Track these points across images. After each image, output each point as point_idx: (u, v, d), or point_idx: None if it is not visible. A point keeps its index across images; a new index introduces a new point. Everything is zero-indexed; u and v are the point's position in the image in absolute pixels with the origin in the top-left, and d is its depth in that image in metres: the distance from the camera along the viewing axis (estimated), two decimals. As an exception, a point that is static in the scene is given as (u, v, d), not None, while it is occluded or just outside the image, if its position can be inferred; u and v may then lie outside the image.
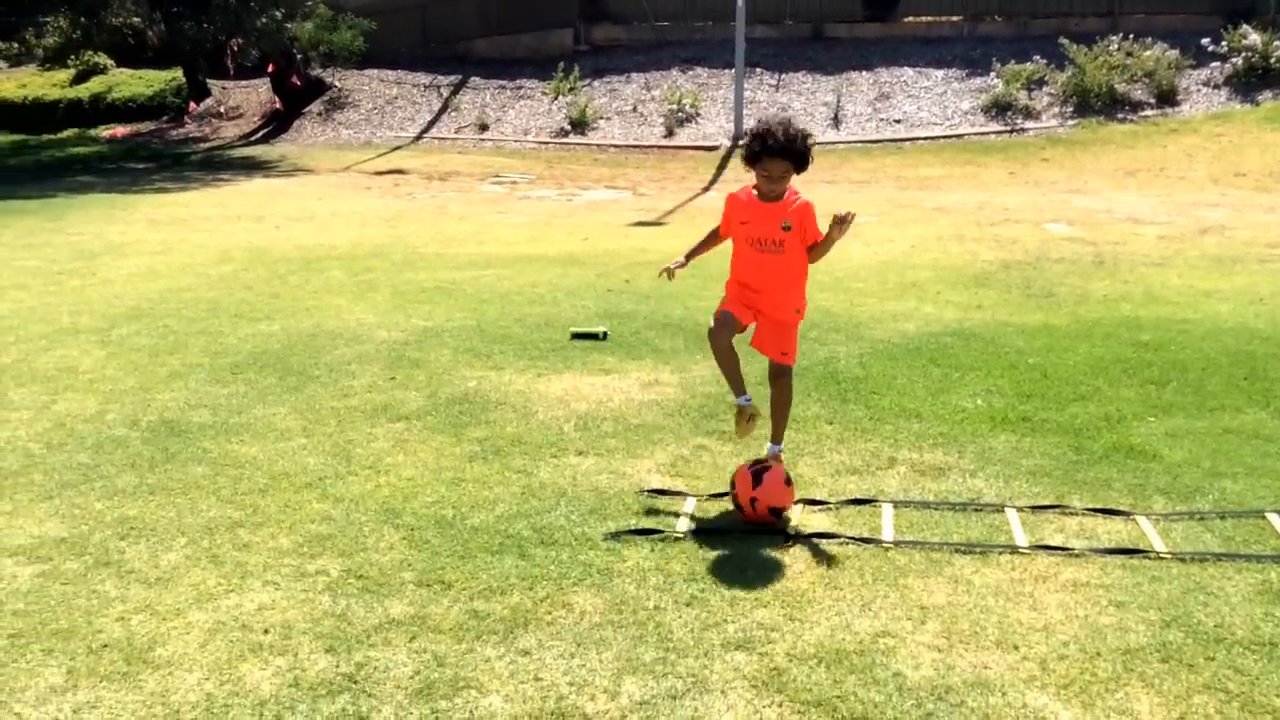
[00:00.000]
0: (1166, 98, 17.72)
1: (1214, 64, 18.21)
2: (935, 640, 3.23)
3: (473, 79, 22.55)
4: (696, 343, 6.66)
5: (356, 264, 9.53)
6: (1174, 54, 17.96)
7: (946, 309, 7.64)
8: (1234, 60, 17.87)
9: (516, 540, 3.89)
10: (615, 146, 18.49)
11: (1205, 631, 3.25)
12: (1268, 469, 4.51)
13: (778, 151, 4.09)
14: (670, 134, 18.67)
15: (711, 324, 4.28)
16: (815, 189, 15.29)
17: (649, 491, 4.34)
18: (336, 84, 23.25)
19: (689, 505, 4.19)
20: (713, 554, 3.79)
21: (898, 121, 18.19)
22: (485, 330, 6.98)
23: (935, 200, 13.74)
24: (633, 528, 3.98)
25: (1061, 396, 5.51)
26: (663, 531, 3.95)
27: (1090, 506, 4.18)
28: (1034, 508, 4.18)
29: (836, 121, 18.46)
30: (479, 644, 3.23)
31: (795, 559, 3.76)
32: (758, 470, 4.08)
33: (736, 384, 4.36)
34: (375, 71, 23.54)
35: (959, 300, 7.95)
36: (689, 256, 4.57)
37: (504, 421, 5.19)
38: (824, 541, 3.88)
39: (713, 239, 4.53)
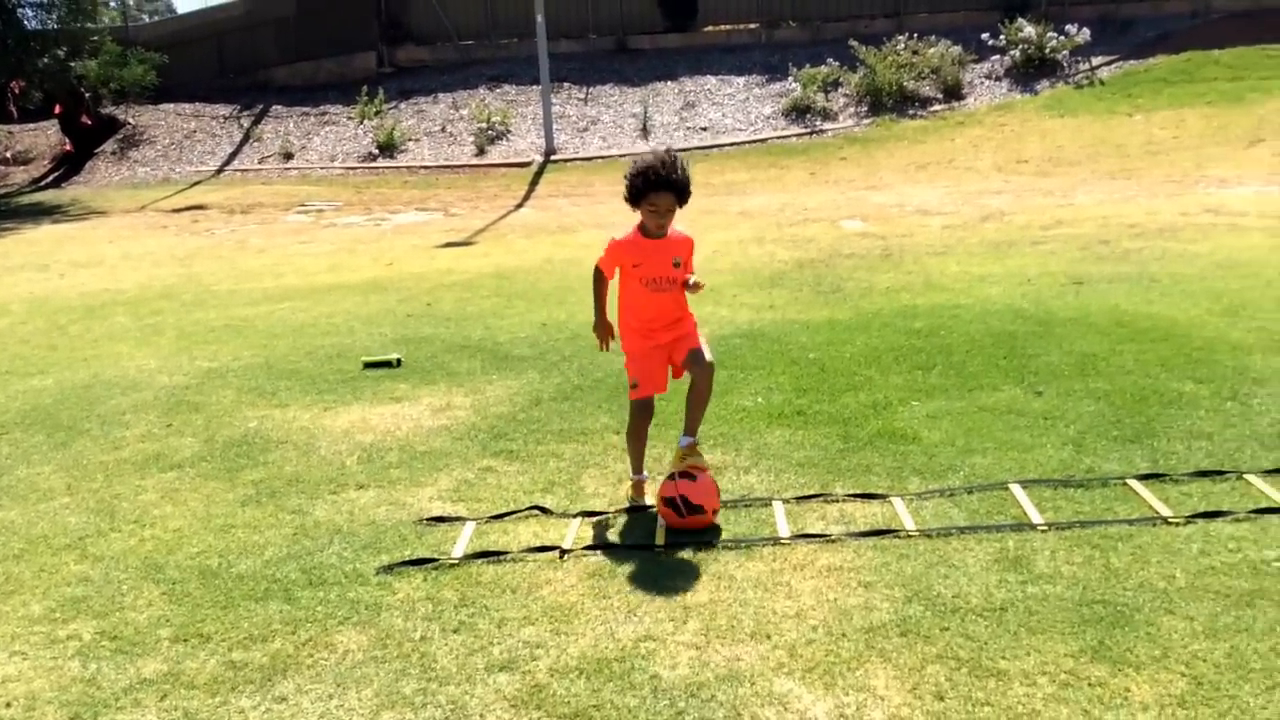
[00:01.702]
0: (953, 92, 18.66)
1: (994, 57, 19.30)
2: (694, 639, 3.32)
3: (275, 107, 22.00)
4: (494, 364, 6.68)
5: (143, 307, 9.17)
6: (957, 50, 18.95)
7: (740, 311, 7.86)
8: (1012, 53, 18.98)
9: (283, 584, 3.81)
10: (425, 168, 18.33)
11: (944, 603, 3.44)
12: (1015, 442, 4.80)
13: (663, 185, 4.08)
14: (481, 152, 18.62)
15: (631, 410, 4.37)
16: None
17: (428, 520, 4.31)
18: (130, 121, 22.33)
19: (467, 530, 4.18)
20: (485, 577, 3.80)
21: (704, 129, 18.60)
22: (273, 367, 6.82)
23: (740, 204, 14.11)
24: (405, 559, 3.96)
25: (835, 388, 5.73)
26: (436, 560, 3.93)
27: (851, 492, 4.36)
28: (799, 498, 4.34)
29: (645, 132, 18.74)
30: (234, 695, 3.15)
31: (567, 573, 3.80)
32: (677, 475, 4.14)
33: (637, 462, 4.47)
34: (171, 106, 22.73)
35: (753, 302, 8.18)
36: (603, 312, 4.42)
37: (283, 461, 5.08)
38: (598, 552, 3.94)
39: (603, 284, 4.40)
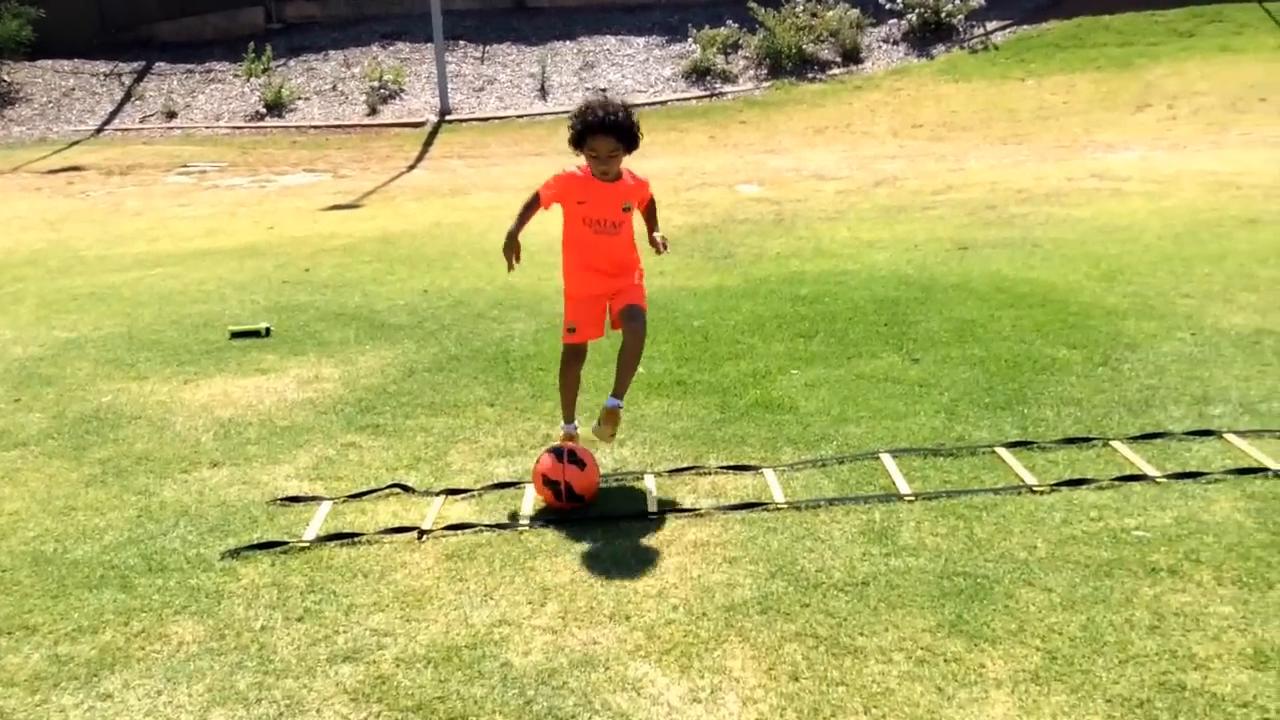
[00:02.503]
0: (851, 56, 18.68)
1: (892, 21, 19.34)
2: (551, 622, 3.21)
3: (158, 64, 21.07)
4: (368, 332, 6.45)
5: (5, 274, 8.68)
6: (855, 13, 18.93)
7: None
8: (909, 16, 19.02)
9: (120, 571, 3.59)
10: (315, 128, 17.76)
11: (807, 578, 3.38)
12: (889, 410, 4.77)
13: (600, 128, 3.95)
14: (374, 112, 18.11)
15: (563, 355, 4.29)
16: (524, 161, 15.24)
17: (281, 500, 4.12)
18: (4, 78, 21.17)
19: (322, 510, 4.00)
20: (337, 561, 3.63)
21: (603, 90, 18.33)
22: (135, 337, 6.49)
23: (639, 168, 13.87)
24: (254, 542, 3.76)
25: (717, 357, 5.65)
26: (286, 543, 3.75)
27: (724, 464, 4.28)
28: (671, 471, 4.25)
29: (544, 93, 18.42)
30: (56, 693, 2.95)
31: (424, 556, 3.65)
32: (557, 451, 4.00)
33: (568, 411, 4.34)
34: (49, 62, 21.58)
35: (643, 268, 8.03)
36: (517, 232, 4.19)
37: (134, 438, 4.81)
38: (459, 533, 3.79)
39: (532, 209, 4.21)
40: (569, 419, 4.38)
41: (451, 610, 3.29)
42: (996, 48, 18.35)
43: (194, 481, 4.34)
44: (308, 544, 3.73)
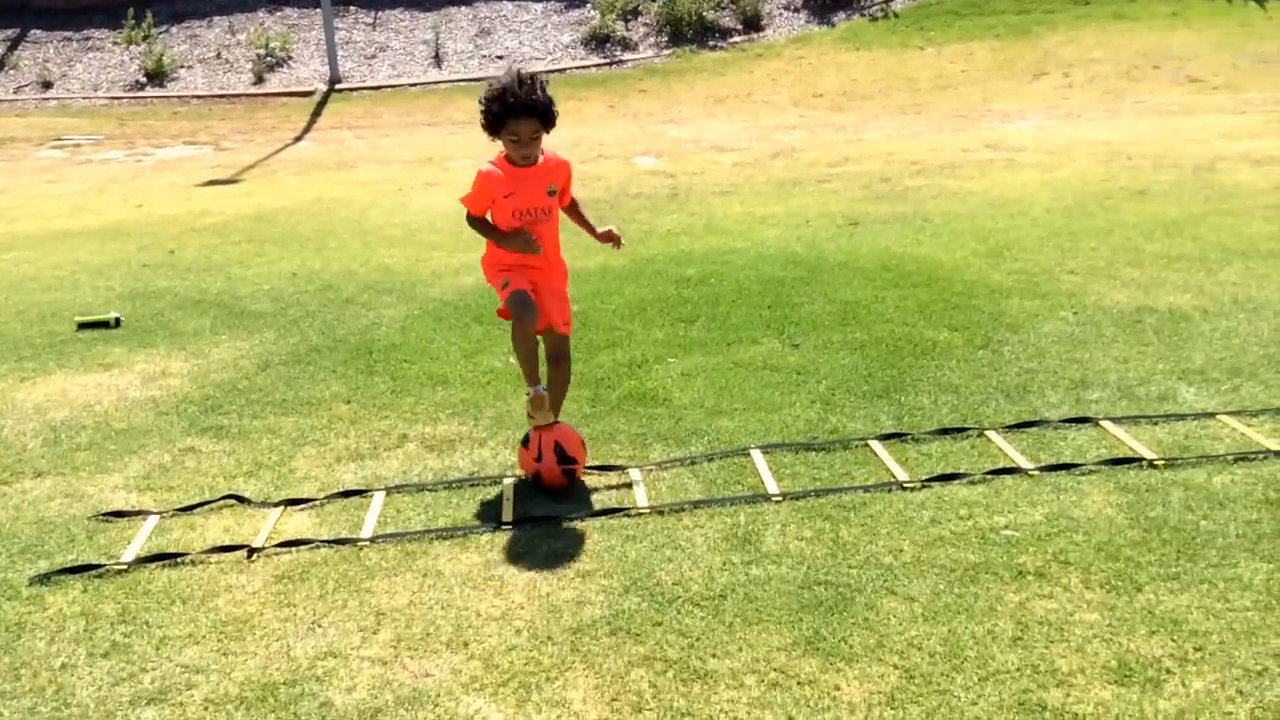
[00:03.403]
0: (752, 23, 18.47)
1: (793, -11, 19.17)
2: (382, 652, 2.95)
3: (33, 31, 19.98)
4: (226, 321, 6.08)
5: None
6: (756, -19, 18.72)
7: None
8: (810, -16, 18.87)
9: (-92, 605, 3.25)
10: (198, 98, 17.02)
11: (663, 592, 3.18)
12: (765, 401, 4.58)
13: (521, 110, 3.66)
14: (260, 80, 17.41)
15: (514, 312, 3.82)
16: (417, 132, 14.77)
17: (104, 515, 3.78)
18: None
19: (147, 527, 3.68)
20: (156, 585, 3.32)
21: (500, 58, 17.88)
22: (-28, 331, 6.04)
23: (533, 138, 13.58)
24: (66, 565, 3.44)
25: (594, 345, 5.41)
26: (103, 565, 3.43)
27: (589, 465, 4.05)
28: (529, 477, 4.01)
29: (438, 60, 17.89)
30: None
31: (253, 577, 3.36)
32: (525, 437, 3.86)
33: (532, 373, 3.90)
34: (-88, 26, 20.37)
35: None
36: (509, 235, 3.90)
37: (-50, 447, 4.42)
38: (294, 550, 3.51)
39: (482, 222, 3.91)
40: (533, 379, 3.90)
41: (274, 641, 3.02)
42: (897, 15, 18.30)
43: (13, 495, 3.98)
44: (125, 566, 3.42)
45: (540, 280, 3.96)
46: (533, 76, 3.77)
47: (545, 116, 3.75)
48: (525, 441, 3.93)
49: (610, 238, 4.14)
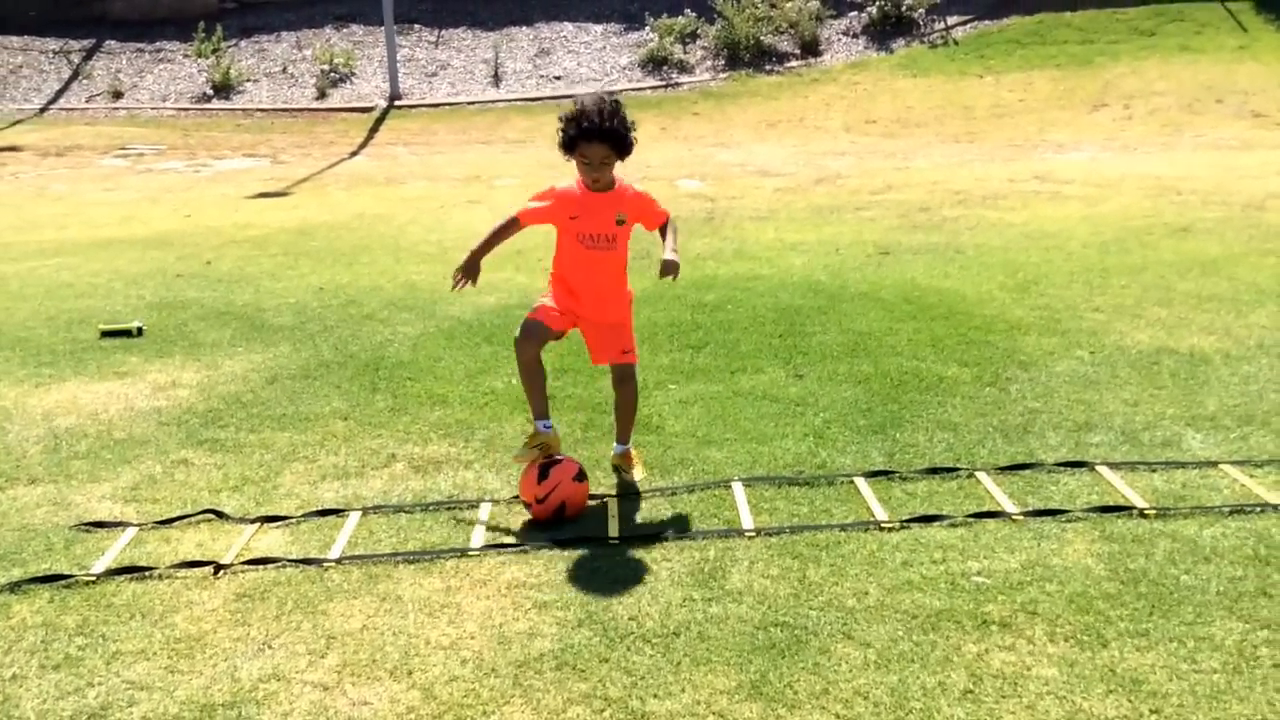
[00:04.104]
0: (810, 48, 18.42)
1: (852, 14, 19.07)
2: (326, 677, 2.94)
3: (108, 43, 20.62)
4: (246, 333, 6.17)
5: (-107, 263, 8.34)
6: (815, 4, 18.66)
7: (539, 278, 7.37)
8: (870, 9, 18.76)
9: (-120, 607, 3.32)
10: (262, 110, 17.40)
11: (617, 626, 3.13)
12: (757, 432, 4.52)
13: (595, 135, 3.69)
14: (323, 95, 17.74)
15: (518, 333, 3.87)
16: (470, 150, 14.92)
17: (84, 525, 3.84)
18: (-52, 51, 20.69)
19: (124, 538, 3.72)
20: (121, 598, 3.35)
21: (558, 78, 18.03)
22: (3, 334, 6.19)
23: (582, 158, 13.64)
24: (38, 574, 3.49)
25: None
26: (72, 576, 3.47)
27: (568, 492, 4.02)
28: (511, 499, 3.99)
29: (497, 79, 18.09)
30: None
31: (215, 594, 3.38)
32: (545, 465, 3.79)
33: (538, 404, 3.92)
34: (-3, 37, 21.12)
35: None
36: (481, 254, 3.96)
37: (-46, 451, 4.53)
38: (260, 568, 3.52)
39: (506, 230, 3.95)
40: (539, 413, 3.91)
41: (222, 661, 3.03)
42: (956, 43, 18.11)
43: (3, 501, 4.06)
44: (94, 578, 3.46)
45: (590, 313, 3.98)
46: (616, 103, 3.78)
47: (619, 144, 3.75)
48: (542, 475, 3.78)
49: (665, 268, 3.88)
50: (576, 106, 3.76)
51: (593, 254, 3.89)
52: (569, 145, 3.78)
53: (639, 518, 3.83)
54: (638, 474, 4.11)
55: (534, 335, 3.87)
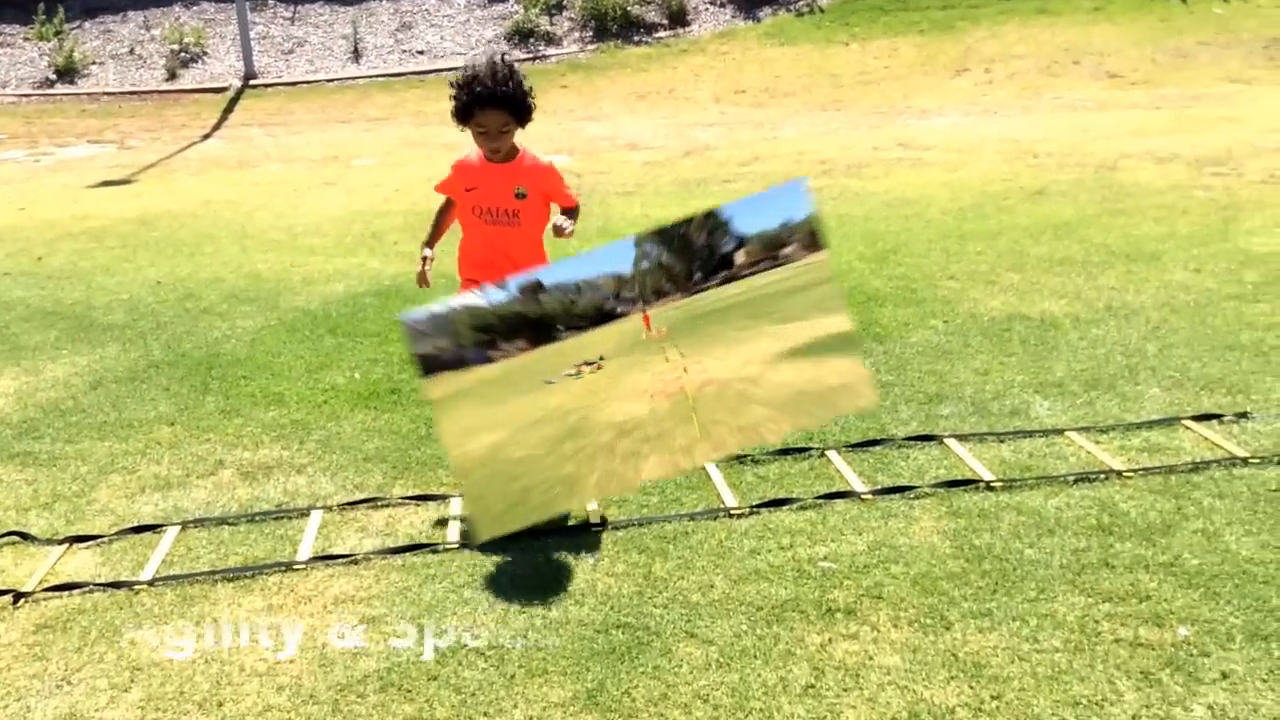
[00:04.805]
0: (678, 18, 18.26)
1: (720, -17, 18.97)
2: (128, 714, 2.71)
3: (-62, 24, 19.34)
4: (73, 334, 5.78)
5: None
6: (682, -26, 18.50)
7: (393, 263, 7.16)
8: (737, -21, 18.68)
9: None
10: (109, 95, 16.51)
11: (449, 638, 2.95)
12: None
13: (490, 101, 3.41)
14: (173, 77, 16.93)
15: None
16: (329, 129, 14.39)
17: None
18: None
19: (-88, 570, 3.40)
20: (-98, 638, 3.05)
21: (420, 53, 17.54)
22: None
23: (447, 136, 13.26)
24: None
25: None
26: None
27: (408, 494, 3.82)
28: (344, 505, 3.77)
29: (357, 55, 17.51)
30: None
31: (12, 626, 3.10)
32: None
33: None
34: None
35: (412, 251, 7.48)
36: (431, 242, 3.80)
37: None
38: (65, 595, 3.25)
39: (444, 210, 3.77)
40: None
41: (14, 701, 2.76)
42: (823, 10, 18.17)
43: None
44: None
45: None
46: (511, 65, 3.51)
47: (518, 109, 3.51)
48: None
49: (557, 227, 3.66)
50: (468, 71, 3.51)
51: (494, 230, 3.66)
52: (463, 113, 3.54)
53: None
54: None
55: None
